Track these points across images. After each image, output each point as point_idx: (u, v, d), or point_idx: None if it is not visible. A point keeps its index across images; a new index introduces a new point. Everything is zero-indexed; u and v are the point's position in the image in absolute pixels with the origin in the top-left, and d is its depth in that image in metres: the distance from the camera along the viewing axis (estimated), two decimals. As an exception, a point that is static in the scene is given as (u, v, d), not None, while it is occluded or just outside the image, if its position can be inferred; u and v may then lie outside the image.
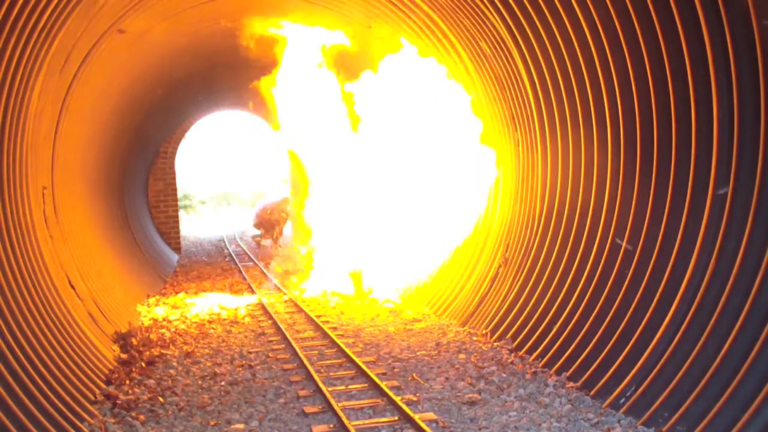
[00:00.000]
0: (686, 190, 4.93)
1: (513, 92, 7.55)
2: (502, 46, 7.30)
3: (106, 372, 6.22)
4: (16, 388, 4.46)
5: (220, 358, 6.99)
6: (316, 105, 10.61)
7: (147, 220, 15.80)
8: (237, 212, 32.74)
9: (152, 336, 7.77)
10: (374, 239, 10.42)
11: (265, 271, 12.66)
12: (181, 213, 21.75)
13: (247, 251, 16.41)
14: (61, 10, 5.84)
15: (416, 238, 10.02)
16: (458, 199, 9.51)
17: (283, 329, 7.94)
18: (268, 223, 19.32)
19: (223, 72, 13.24)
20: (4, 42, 5.11)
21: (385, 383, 5.75)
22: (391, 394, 5.45)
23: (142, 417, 5.32)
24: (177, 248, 16.76)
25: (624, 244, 5.60)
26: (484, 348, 6.89)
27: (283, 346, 7.42)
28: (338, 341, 7.24)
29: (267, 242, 18.96)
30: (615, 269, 5.67)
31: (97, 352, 6.38)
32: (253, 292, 10.81)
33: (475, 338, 7.30)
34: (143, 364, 6.67)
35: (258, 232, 20.05)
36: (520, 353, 6.46)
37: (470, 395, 5.53)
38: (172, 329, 8.27)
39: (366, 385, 5.92)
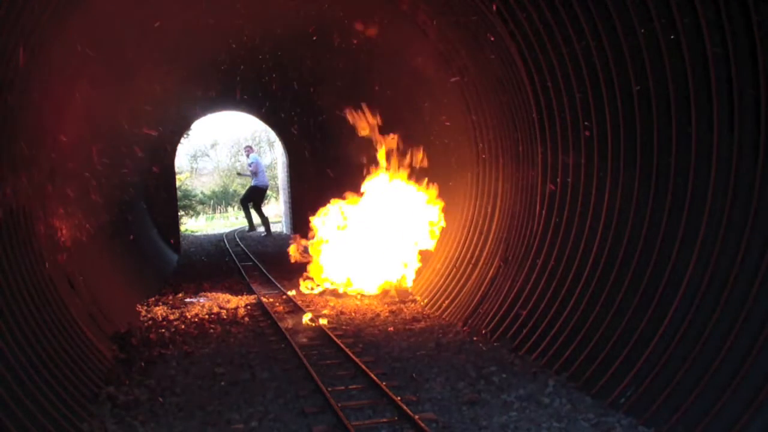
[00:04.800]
0: (687, 189, 4.94)
1: (513, 92, 7.55)
2: (502, 45, 7.30)
3: (106, 372, 6.22)
4: (16, 388, 4.46)
5: (220, 358, 6.99)
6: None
7: (147, 219, 15.79)
8: (236, 213, 32.77)
9: (152, 336, 7.78)
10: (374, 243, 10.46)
11: (266, 273, 12.65)
12: (181, 213, 21.82)
13: (246, 250, 16.40)
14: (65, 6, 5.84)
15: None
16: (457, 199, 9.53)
17: (283, 329, 7.94)
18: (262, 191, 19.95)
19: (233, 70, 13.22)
20: (4, 41, 5.11)
21: (384, 383, 5.75)
22: (390, 393, 5.45)
23: (141, 417, 5.32)
24: (176, 248, 16.75)
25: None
26: (484, 348, 6.89)
27: (283, 346, 7.41)
28: (338, 341, 7.24)
29: (260, 230, 19.20)
30: (615, 269, 5.67)
31: (97, 352, 6.38)
32: (252, 291, 10.81)
33: (475, 338, 7.30)
34: (143, 364, 6.67)
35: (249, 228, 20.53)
36: (520, 353, 6.46)
37: (470, 395, 5.53)
38: (172, 329, 8.27)
39: (366, 384, 5.92)
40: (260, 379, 6.26)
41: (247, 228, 21.59)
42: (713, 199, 4.66)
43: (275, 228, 21.15)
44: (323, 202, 11.18)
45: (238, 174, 21.95)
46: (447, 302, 8.69)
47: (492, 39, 7.41)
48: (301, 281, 10.66)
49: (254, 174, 20.35)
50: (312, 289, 10.56)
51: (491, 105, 8.31)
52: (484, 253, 8.41)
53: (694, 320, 4.65)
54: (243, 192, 20.62)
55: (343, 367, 6.53)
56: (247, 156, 21.24)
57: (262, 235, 20.09)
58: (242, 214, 31.49)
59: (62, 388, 5.09)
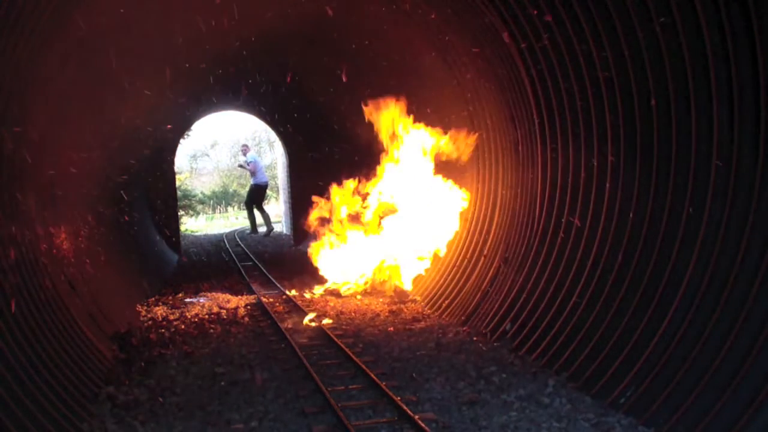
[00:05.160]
0: (687, 189, 4.94)
1: (513, 92, 7.55)
2: (502, 45, 7.30)
3: (106, 372, 6.22)
4: (16, 388, 4.46)
5: (220, 358, 6.99)
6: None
7: (147, 219, 15.79)
8: (236, 213, 32.78)
9: (152, 336, 7.77)
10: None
11: (266, 273, 12.65)
12: (181, 213, 21.84)
13: (246, 250, 16.40)
14: (61, 10, 5.84)
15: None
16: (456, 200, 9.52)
17: (283, 329, 7.94)
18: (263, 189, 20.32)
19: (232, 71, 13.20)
20: (4, 41, 5.10)
21: (384, 383, 5.75)
22: (390, 393, 5.45)
23: (141, 417, 5.32)
24: (176, 248, 16.74)
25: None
26: (484, 348, 6.89)
27: (283, 346, 7.41)
28: (338, 341, 7.23)
29: (262, 230, 19.31)
30: (615, 269, 5.67)
31: (97, 352, 6.38)
32: (252, 291, 10.81)
33: (475, 338, 7.30)
34: (143, 364, 6.67)
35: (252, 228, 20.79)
36: (520, 353, 6.46)
37: (470, 395, 5.53)
38: (172, 329, 8.27)
39: (366, 384, 5.92)
40: (260, 379, 6.25)
41: (249, 229, 21.67)
42: (713, 199, 4.66)
43: (275, 228, 21.18)
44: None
45: (240, 166, 22.48)
46: (447, 302, 8.68)
47: (492, 39, 7.41)
48: (307, 290, 10.62)
49: (252, 173, 20.44)
50: (313, 289, 10.56)
51: (491, 105, 8.31)
52: (484, 253, 8.41)
53: (694, 320, 4.65)
54: (243, 192, 20.80)
55: (343, 367, 6.53)
56: (244, 155, 21.30)
57: (263, 235, 20.13)
58: (243, 214, 31.62)
59: (62, 388, 5.09)
